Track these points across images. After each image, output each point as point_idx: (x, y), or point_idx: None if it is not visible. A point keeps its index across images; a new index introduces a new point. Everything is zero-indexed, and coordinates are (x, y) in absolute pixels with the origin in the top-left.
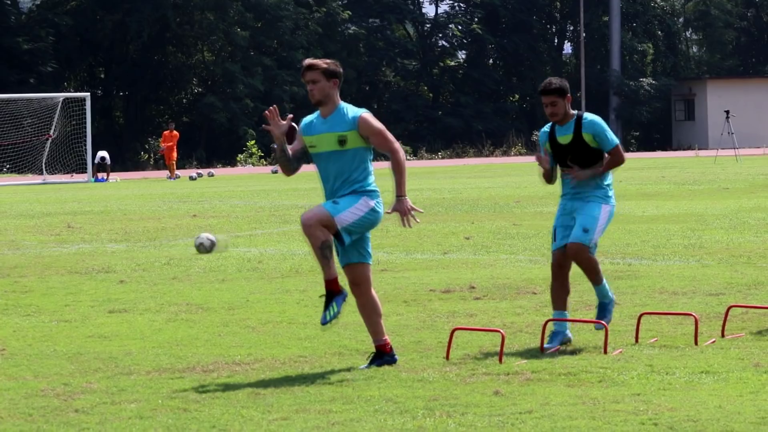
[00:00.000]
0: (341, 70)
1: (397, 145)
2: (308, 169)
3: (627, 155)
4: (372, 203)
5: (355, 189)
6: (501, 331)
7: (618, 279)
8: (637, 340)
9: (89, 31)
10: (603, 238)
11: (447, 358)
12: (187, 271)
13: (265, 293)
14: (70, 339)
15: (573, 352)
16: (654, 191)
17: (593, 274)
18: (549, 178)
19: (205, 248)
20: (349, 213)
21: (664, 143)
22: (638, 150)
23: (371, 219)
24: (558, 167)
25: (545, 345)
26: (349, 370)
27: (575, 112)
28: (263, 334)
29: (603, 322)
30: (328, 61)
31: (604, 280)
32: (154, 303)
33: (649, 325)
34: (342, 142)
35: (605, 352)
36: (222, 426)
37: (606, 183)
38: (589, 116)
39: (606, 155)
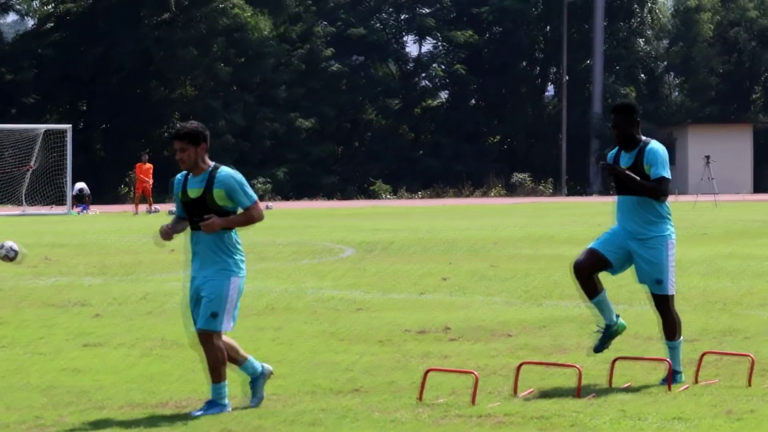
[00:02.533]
0: None
1: None
2: (284, 206)
3: (608, 198)
4: None
5: None
6: (475, 373)
7: (593, 323)
8: (610, 385)
9: (71, 64)
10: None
11: (420, 399)
12: (163, 306)
13: (238, 330)
14: (42, 372)
15: (546, 396)
16: None
17: (213, 370)
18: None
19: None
20: None
21: None
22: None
23: None
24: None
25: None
26: (322, 409)
27: (212, 163)
28: (236, 372)
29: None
30: None
31: (225, 382)
32: (128, 337)
33: (623, 370)
34: None
35: (578, 396)
36: None
37: (235, 245)
38: (225, 170)
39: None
